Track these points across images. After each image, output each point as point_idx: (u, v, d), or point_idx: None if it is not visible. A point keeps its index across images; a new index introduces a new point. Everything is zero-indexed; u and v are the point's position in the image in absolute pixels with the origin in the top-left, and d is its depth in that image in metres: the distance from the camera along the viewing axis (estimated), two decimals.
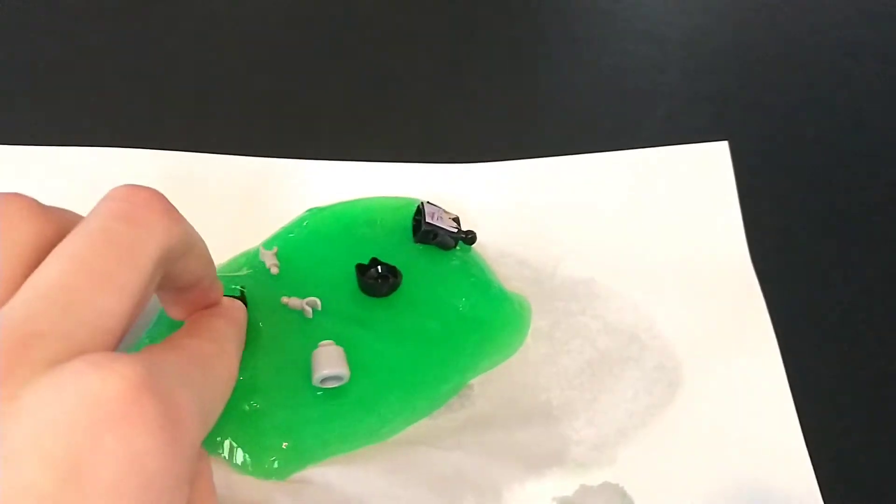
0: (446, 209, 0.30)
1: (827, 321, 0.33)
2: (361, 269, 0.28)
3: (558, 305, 0.31)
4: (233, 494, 0.24)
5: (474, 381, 0.29)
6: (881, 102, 0.41)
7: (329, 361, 0.25)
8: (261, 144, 0.37)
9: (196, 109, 0.40)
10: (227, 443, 0.25)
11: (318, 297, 0.27)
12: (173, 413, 0.17)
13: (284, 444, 0.25)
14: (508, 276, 0.32)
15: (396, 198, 0.31)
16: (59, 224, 0.19)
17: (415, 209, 0.30)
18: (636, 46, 0.43)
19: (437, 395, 0.27)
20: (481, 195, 0.35)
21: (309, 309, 0.27)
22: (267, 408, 0.25)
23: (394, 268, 0.28)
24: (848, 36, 0.44)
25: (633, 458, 0.27)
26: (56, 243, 0.18)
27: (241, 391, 0.25)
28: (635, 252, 0.33)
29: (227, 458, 0.25)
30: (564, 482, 0.27)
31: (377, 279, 0.28)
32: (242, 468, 0.25)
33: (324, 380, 0.25)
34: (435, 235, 0.29)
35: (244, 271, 0.28)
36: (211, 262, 0.23)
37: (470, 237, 0.30)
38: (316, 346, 0.26)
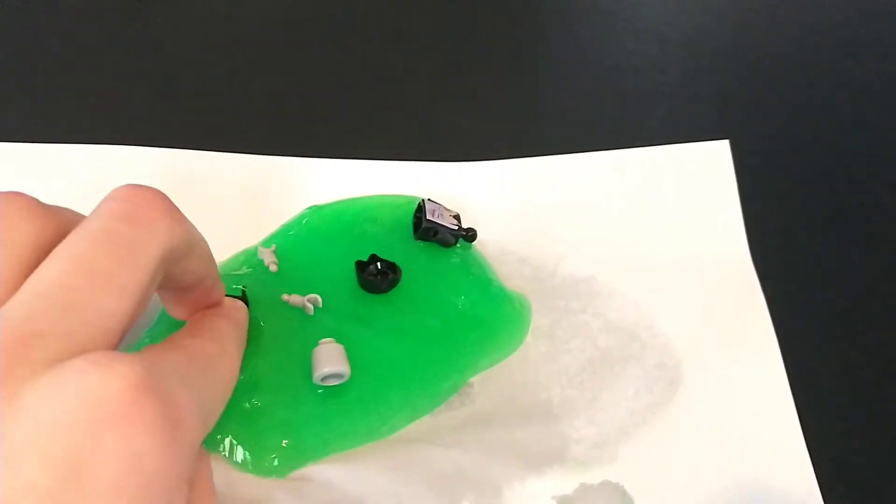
0: (447, 207, 0.30)
1: (827, 321, 0.33)
2: (361, 266, 0.28)
3: (559, 304, 0.31)
4: (233, 492, 0.24)
5: (474, 379, 0.29)
6: (881, 102, 0.41)
7: (330, 359, 0.25)
8: (262, 142, 0.37)
9: (197, 107, 0.40)
10: (227, 440, 0.25)
11: (317, 294, 0.27)
12: (173, 413, 0.17)
13: (285, 441, 0.25)
14: (509, 274, 0.32)
15: (397, 195, 0.31)
16: (60, 224, 0.19)
17: (415, 207, 0.30)
18: (637, 46, 0.43)
19: (437, 392, 0.27)
20: (482, 193, 0.35)
21: (310, 306, 0.27)
22: (267, 406, 0.25)
23: (393, 264, 0.28)
24: (848, 36, 0.45)
25: (633, 456, 0.27)
26: (56, 243, 0.18)
27: (241, 389, 0.24)
28: (636, 250, 0.33)
29: (227, 455, 0.25)
30: (564, 480, 0.27)
31: (376, 275, 0.28)
32: (243, 466, 0.25)
33: (324, 378, 0.25)
34: (435, 232, 0.29)
35: (243, 270, 0.28)
36: (213, 262, 0.23)
37: (470, 235, 0.30)
38: (316, 344, 0.26)
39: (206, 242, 0.22)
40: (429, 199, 0.30)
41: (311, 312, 0.27)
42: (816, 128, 0.40)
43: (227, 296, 0.25)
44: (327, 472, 0.25)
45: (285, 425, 0.25)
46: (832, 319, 0.33)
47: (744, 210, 0.35)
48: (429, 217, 0.29)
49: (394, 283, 0.28)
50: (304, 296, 0.27)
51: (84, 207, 0.20)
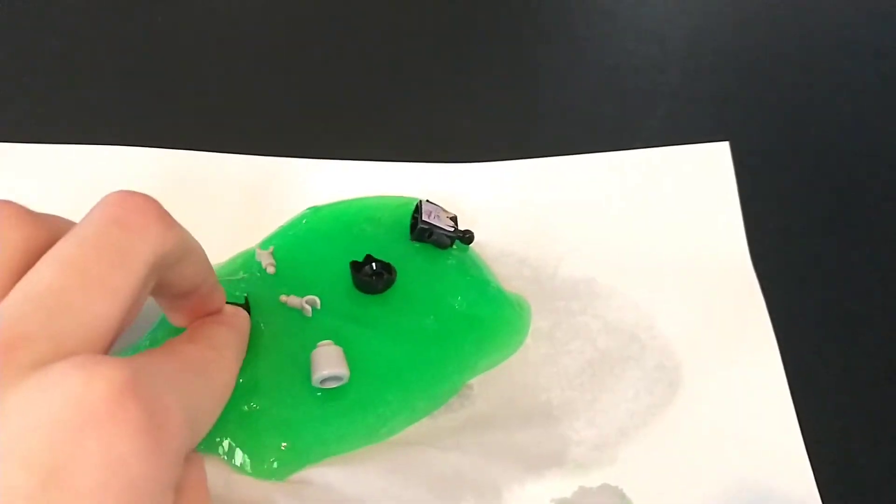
0: (446, 208, 0.30)
1: (827, 321, 0.32)
2: (356, 267, 0.28)
3: (559, 305, 0.31)
4: (231, 494, 0.24)
5: (474, 381, 0.29)
6: (881, 102, 0.41)
7: (329, 361, 0.25)
8: (261, 143, 0.37)
9: (196, 108, 0.40)
10: (226, 443, 0.25)
11: (315, 295, 0.27)
12: (158, 418, 0.17)
13: (284, 444, 0.25)
14: (509, 276, 0.32)
15: (396, 196, 0.31)
16: (50, 230, 0.19)
17: (414, 208, 0.30)
18: (637, 46, 0.43)
19: (435, 394, 0.27)
20: (482, 194, 0.35)
21: (308, 307, 0.27)
22: (266, 408, 0.25)
23: (388, 264, 0.28)
24: (848, 36, 0.44)
25: (633, 458, 0.27)
26: (46, 249, 0.18)
27: (240, 391, 0.25)
28: (636, 252, 0.33)
29: (226, 458, 0.25)
30: (564, 483, 0.27)
31: (371, 276, 0.28)
32: (241, 468, 0.25)
33: (323, 380, 0.25)
34: (431, 234, 0.29)
35: (241, 275, 0.28)
36: (210, 268, 0.23)
37: (467, 237, 0.30)
38: (314, 346, 0.26)
39: (201, 248, 0.22)
40: (427, 201, 0.30)
41: (310, 314, 0.27)
42: (816, 128, 0.40)
43: (228, 303, 0.25)
44: (326, 475, 0.25)
45: (284, 427, 0.25)
46: (832, 320, 0.33)
47: (743, 210, 0.35)
48: (424, 218, 0.29)
49: (389, 284, 0.28)
50: (303, 297, 0.27)
51: (83, 208, 0.20)
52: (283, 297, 0.27)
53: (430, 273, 0.29)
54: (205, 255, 0.22)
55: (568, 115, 0.40)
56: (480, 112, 0.40)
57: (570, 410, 0.28)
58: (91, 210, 0.19)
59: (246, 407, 0.25)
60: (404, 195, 0.31)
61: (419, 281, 0.28)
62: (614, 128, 0.39)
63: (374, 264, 0.28)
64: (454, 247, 0.30)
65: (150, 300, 0.24)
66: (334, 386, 0.25)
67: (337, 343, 0.26)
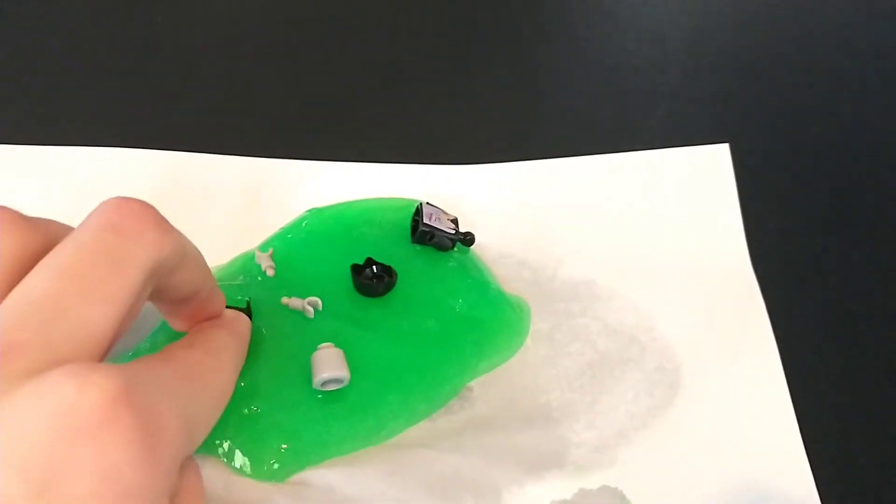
0: (446, 210, 0.30)
1: (827, 321, 0.33)
2: (357, 269, 0.28)
3: (558, 307, 0.31)
4: (231, 496, 0.24)
5: (474, 383, 0.29)
6: (881, 102, 0.41)
7: (330, 364, 0.25)
8: (262, 145, 0.37)
9: (196, 110, 0.40)
10: (226, 444, 0.25)
11: (316, 297, 0.27)
12: (152, 425, 0.17)
13: (284, 445, 0.25)
14: (508, 278, 0.32)
15: (397, 198, 0.31)
16: (46, 236, 0.19)
17: (414, 210, 0.30)
18: (637, 46, 0.43)
19: (435, 396, 0.27)
20: (482, 196, 0.35)
21: (310, 309, 0.27)
22: (267, 410, 0.25)
23: (389, 267, 0.28)
24: (848, 36, 0.44)
25: (632, 460, 0.27)
26: (42, 255, 0.18)
27: (240, 394, 0.25)
28: (636, 253, 0.33)
29: (226, 459, 0.25)
30: (564, 485, 0.27)
31: (372, 279, 0.28)
32: (242, 470, 0.25)
33: (324, 382, 0.25)
34: (432, 236, 0.29)
35: (240, 279, 0.28)
36: (208, 273, 0.22)
37: (468, 239, 0.30)
38: (315, 348, 0.26)
39: (199, 254, 0.22)
40: (427, 203, 0.30)
41: (311, 316, 0.27)
42: (816, 128, 0.40)
43: (230, 307, 0.25)
44: (326, 476, 0.25)
45: (285, 429, 0.25)
46: (832, 320, 0.33)
47: (743, 210, 0.35)
48: (425, 221, 0.29)
49: (389, 287, 0.28)
50: (304, 299, 0.27)
51: (83, 210, 0.20)
52: (285, 300, 0.27)
53: (431, 275, 0.29)
54: (203, 260, 0.22)
55: (568, 116, 0.40)
56: (480, 113, 0.40)
57: (569, 412, 0.28)
58: (88, 216, 0.19)
59: (246, 409, 0.25)
60: (404, 197, 0.31)
61: (420, 283, 0.28)
62: (614, 128, 0.39)
63: (374, 267, 0.28)
64: (455, 249, 0.30)
65: (147, 306, 0.24)
66: (335, 388, 0.25)
67: (337, 345, 0.26)
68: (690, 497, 0.27)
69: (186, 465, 0.20)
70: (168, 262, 0.20)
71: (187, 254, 0.21)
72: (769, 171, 0.37)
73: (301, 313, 0.27)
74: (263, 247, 0.29)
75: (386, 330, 0.27)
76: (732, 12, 0.46)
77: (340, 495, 0.25)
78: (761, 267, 0.33)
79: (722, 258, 0.33)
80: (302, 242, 0.29)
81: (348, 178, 0.36)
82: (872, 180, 0.38)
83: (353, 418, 0.26)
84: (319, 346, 0.26)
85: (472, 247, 0.30)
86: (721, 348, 0.31)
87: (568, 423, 0.28)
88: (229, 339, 0.23)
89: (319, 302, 0.27)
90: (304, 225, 0.30)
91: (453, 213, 0.30)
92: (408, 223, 0.30)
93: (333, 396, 0.25)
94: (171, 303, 0.22)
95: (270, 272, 0.28)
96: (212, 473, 0.24)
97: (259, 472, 0.25)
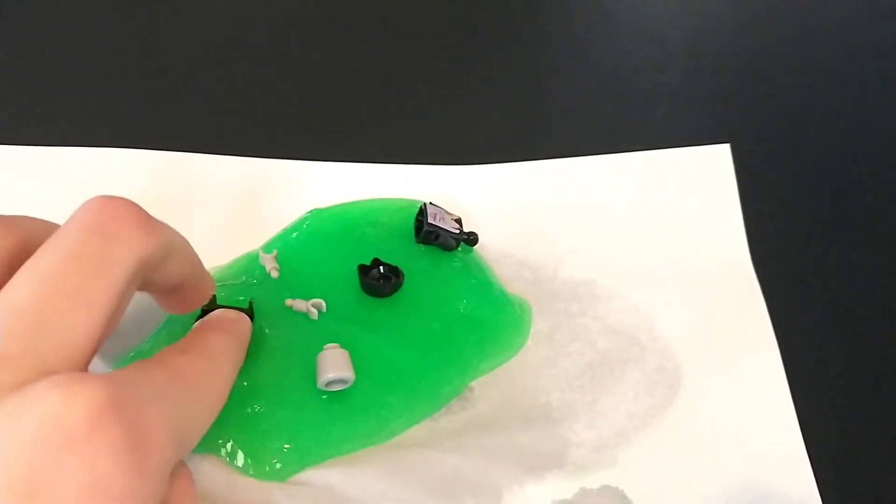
0: (448, 210, 0.30)
1: (827, 322, 0.33)
2: (364, 270, 0.28)
3: (559, 307, 0.31)
4: (233, 495, 0.24)
5: (475, 383, 0.29)
6: (881, 102, 0.41)
7: (335, 364, 0.25)
8: (263, 145, 0.37)
9: (196, 110, 0.40)
10: (228, 444, 0.25)
11: (320, 298, 0.27)
12: (139, 435, 0.17)
13: (286, 445, 0.25)
14: (509, 278, 0.32)
15: (399, 199, 0.31)
16: (27, 235, 0.19)
17: (417, 210, 0.30)
18: (637, 46, 0.43)
19: (437, 396, 0.27)
20: (483, 196, 0.35)
21: (314, 311, 0.27)
22: (269, 410, 0.25)
23: (396, 268, 0.28)
24: (848, 37, 0.44)
25: (633, 460, 0.27)
26: (21, 255, 0.18)
27: (243, 393, 0.25)
28: (636, 254, 0.33)
29: (228, 459, 0.25)
30: (564, 485, 0.27)
31: (379, 279, 0.28)
32: (243, 469, 0.25)
33: (329, 383, 0.25)
34: (437, 236, 0.29)
35: (244, 279, 0.28)
36: (196, 261, 0.22)
37: (472, 238, 0.30)
38: (320, 348, 0.26)
39: (186, 244, 0.21)
40: (430, 203, 0.30)
41: (316, 317, 0.27)
42: (816, 128, 0.40)
43: (231, 308, 0.25)
44: (327, 476, 0.25)
45: (287, 429, 0.25)
46: (832, 321, 0.33)
47: (744, 211, 0.35)
48: (430, 221, 0.29)
49: (396, 287, 0.28)
50: (308, 300, 0.27)
51: None
52: (289, 301, 0.27)
53: (436, 276, 0.29)
54: (190, 248, 0.22)
55: (568, 116, 0.40)
56: (480, 113, 0.40)
57: (570, 412, 0.28)
58: (70, 217, 0.19)
59: (249, 409, 0.25)
60: (406, 197, 0.31)
61: (425, 284, 0.28)
62: (615, 128, 0.39)
63: (381, 267, 0.28)
64: (459, 249, 0.30)
65: (152, 304, 0.24)
66: (339, 389, 0.25)
67: (342, 346, 0.26)
68: (690, 497, 0.27)
69: (177, 471, 0.19)
70: (153, 258, 0.19)
71: (173, 247, 0.20)
72: (769, 172, 0.37)
73: (305, 315, 0.27)
74: (267, 248, 0.29)
75: (390, 331, 0.27)
76: (732, 12, 0.46)
77: (341, 495, 0.25)
78: (762, 267, 0.33)
79: (722, 258, 0.33)
80: (304, 243, 0.29)
81: (348, 179, 0.36)
82: (872, 180, 0.38)
83: (354, 419, 0.26)
84: (325, 346, 0.26)
85: (474, 247, 0.30)
86: (721, 348, 0.31)
87: (568, 423, 0.28)
88: (227, 341, 0.23)
89: (323, 304, 0.27)
90: (305, 226, 0.30)
91: (455, 213, 0.30)
92: (410, 223, 0.30)
93: (336, 397, 0.25)
94: (159, 292, 0.22)
95: (275, 274, 0.28)
96: (213, 472, 0.24)
97: (261, 471, 0.25)
